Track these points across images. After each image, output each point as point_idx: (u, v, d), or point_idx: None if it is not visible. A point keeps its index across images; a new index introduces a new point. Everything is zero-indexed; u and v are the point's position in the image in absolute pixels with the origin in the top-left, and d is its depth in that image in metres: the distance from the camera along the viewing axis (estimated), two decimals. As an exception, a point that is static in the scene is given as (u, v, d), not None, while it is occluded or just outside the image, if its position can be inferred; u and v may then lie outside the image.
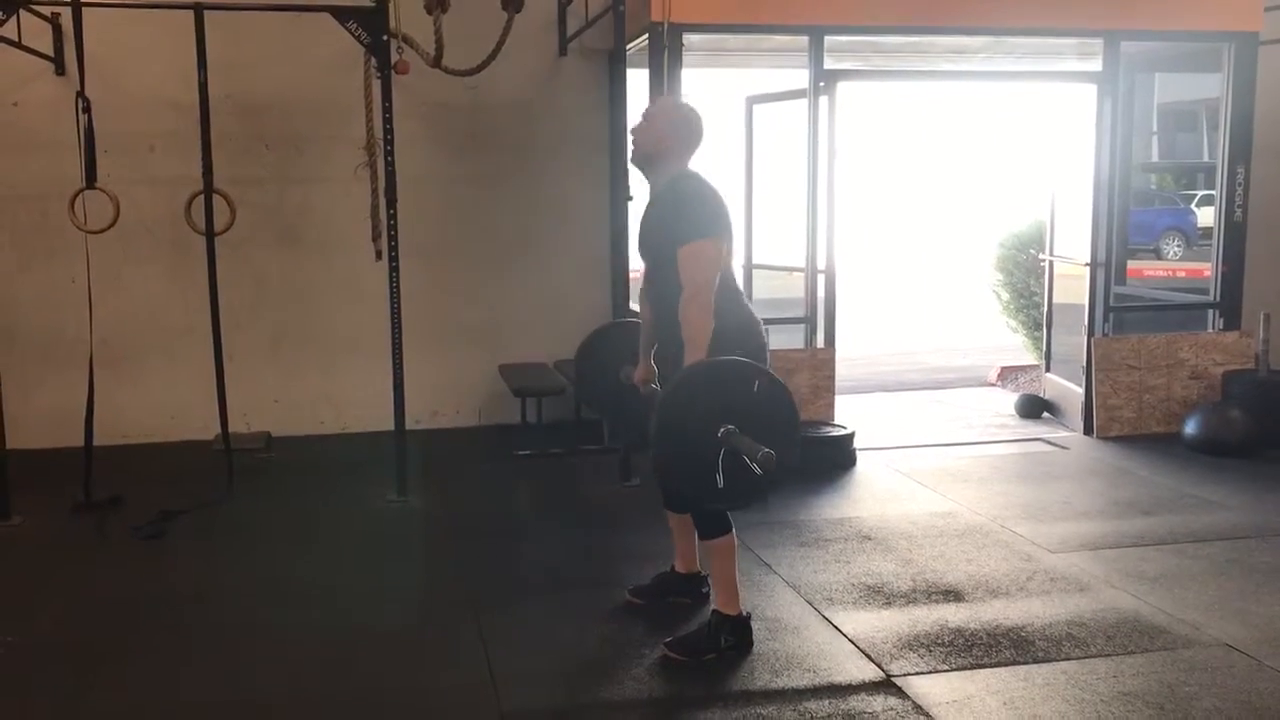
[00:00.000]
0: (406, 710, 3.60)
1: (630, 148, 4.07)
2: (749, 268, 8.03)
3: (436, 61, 6.29)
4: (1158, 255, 19.14)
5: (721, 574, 3.97)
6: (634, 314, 4.23)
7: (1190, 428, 6.95)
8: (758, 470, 3.45)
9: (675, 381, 3.65)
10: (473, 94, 7.11)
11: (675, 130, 3.96)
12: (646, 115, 4.06)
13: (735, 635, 3.93)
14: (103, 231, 5.65)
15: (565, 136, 7.44)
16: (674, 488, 3.86)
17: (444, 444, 7.08)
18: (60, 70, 6.68)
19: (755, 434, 3.45)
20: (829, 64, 6.92)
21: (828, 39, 6.85)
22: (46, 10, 6.20)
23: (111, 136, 6.20)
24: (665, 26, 6.33)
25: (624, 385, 4.38)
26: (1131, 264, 9.12)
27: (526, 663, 3.92)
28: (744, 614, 3.98)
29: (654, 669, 3.84)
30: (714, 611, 3.97)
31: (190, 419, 6.91)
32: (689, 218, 3.81)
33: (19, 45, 5.88)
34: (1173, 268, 17.21)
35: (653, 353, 4.19)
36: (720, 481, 3.51)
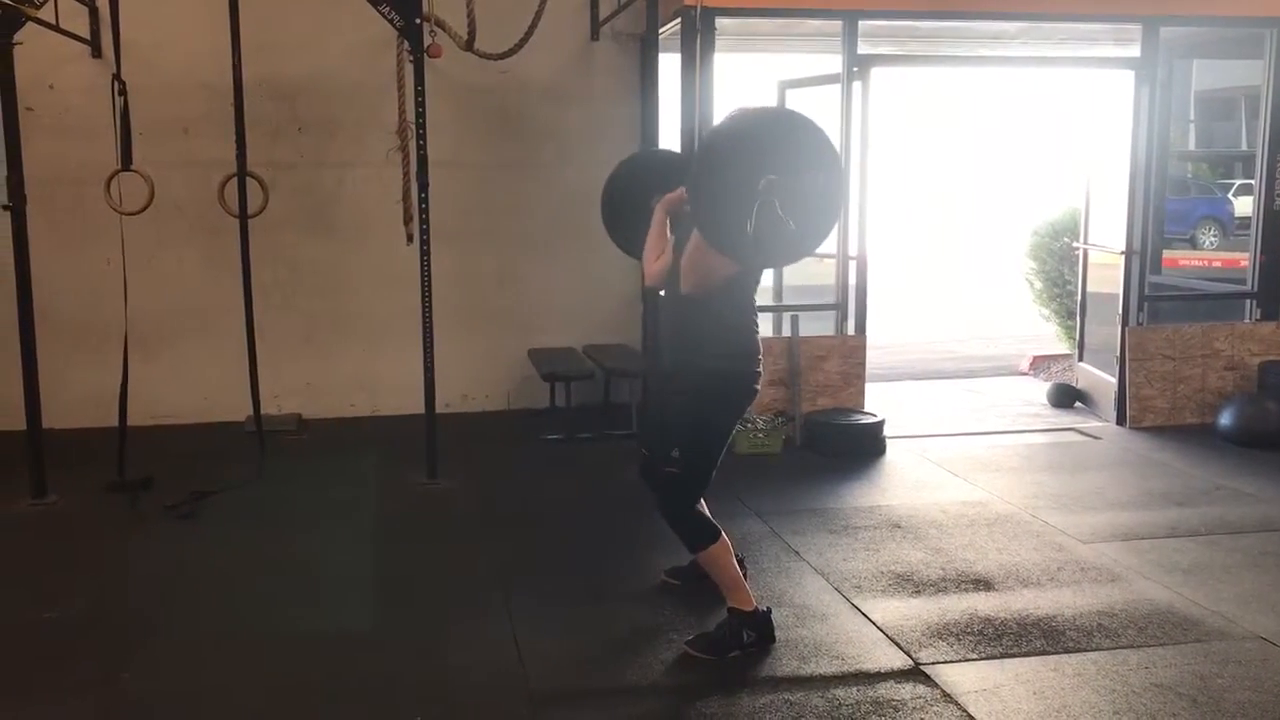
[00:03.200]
0: (435, 691, 3.62)
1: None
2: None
3: (469, 45, 6.28)
4: (1193, 244, 18.94)
5: (724, 577, 3.95)
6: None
7: (1225, 419, 6.88)
8: (792, 226, 3.41)
9: (732, 117, 3.64)
10: (504, 78, 7.11)
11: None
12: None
13: (756, 629, 3.91)
14: (137, 213, 5.70)
15: (596, 121, 7.42)
16: (708, 227, 3.63)
17: (474, 428, 7.10)
18: (97, 53, 6.73)
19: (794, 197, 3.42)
20: (863, 49, 6.87)
21: (862, 23, 6.80)
22: (83, -7, 6.25)
23: (146, 119, 6.25)
24: (698, 10, 6.29)
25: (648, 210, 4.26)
26: (1167, 253, 9.02)
27: (555, 645, 3.94)
28: (761, 609, 3.96)
29: (680, 653, 3.84)
30: (729, 610, 3.93)
31: (223, 401, 6.96)
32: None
33: (56, 28, 5.92)
34: (1209, 257, 17.03)
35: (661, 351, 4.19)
36: (750, 228, 3.43)
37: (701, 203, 3.57)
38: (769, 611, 3.98)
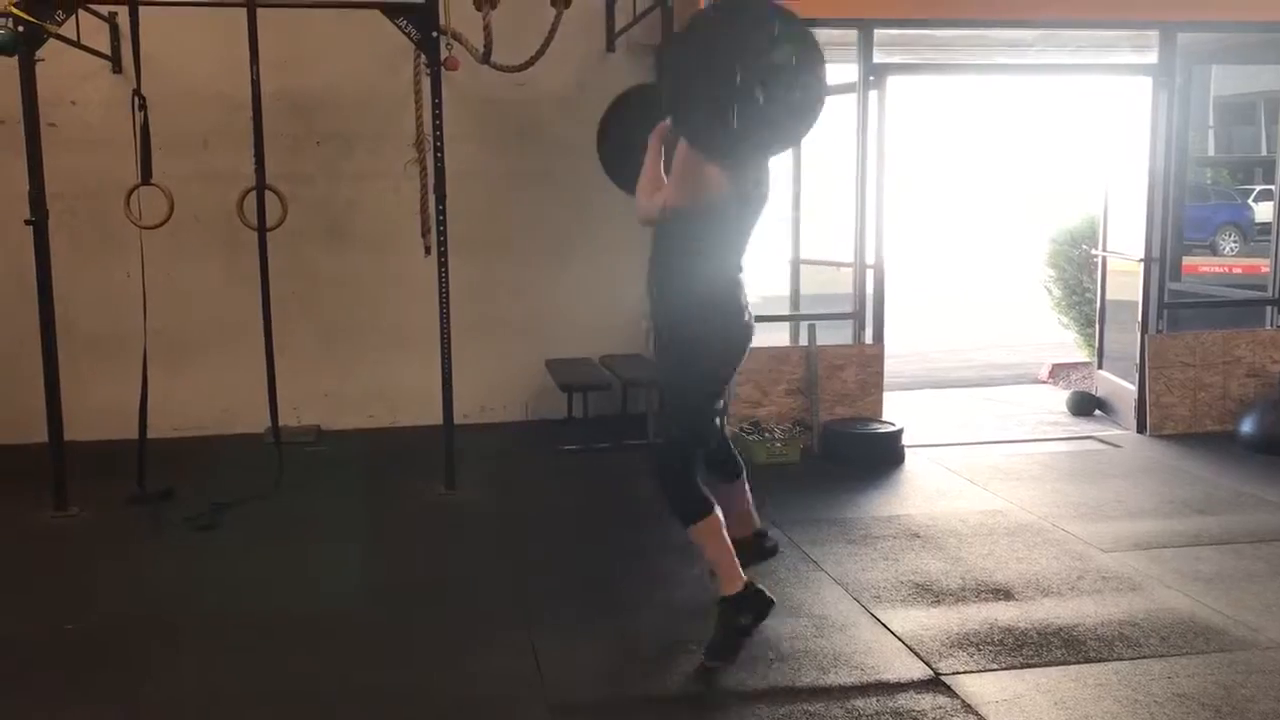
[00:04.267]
0: (454, 701, 3.62)
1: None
2: (796, 263, 7.99)
3: (486, 58, 6.32)
4: (1213, 251, 18.84)
5: (715, 556, 3.87)
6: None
7: (1246, 426, 6.83)
8: (777, 109, 3.35)
9: (689, 22, 3.60)
10: (521, 90, 7.13)
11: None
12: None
13: (750, 609, 3.82)
14: (157, 227, 5.74)
15: (613, 132, 7.42)
16: (690, 130, 3.56)
17: (491, 438, 7.11)
18: (117, 69, 6.78)
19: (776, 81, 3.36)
20: (878, 58, 6.86)
21: (877, 32, 6.80)
22: (104, 10, 6.30)
23: (166, 133, 6.28)
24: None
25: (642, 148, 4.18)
26: (1187, 260, 8.98)
27: (573, 655, 3.94)
28: (750, 586, 3.85)
29: (698, 663, 3.82)
30: (720, 601, 3.85)
31: (242, 412, 7.00)
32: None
33: (77, 44, 5.98)
34: (1229, 264, 16.94)
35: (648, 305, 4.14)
36: (734, 121, 3.37)
37: (680, 114, 3.52)
38: (756, 588, 3.86)
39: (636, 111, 4.51)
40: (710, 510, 3.87)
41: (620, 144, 4.53)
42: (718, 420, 4.11)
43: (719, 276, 3.88)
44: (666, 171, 3.92)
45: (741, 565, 4.19)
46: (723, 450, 4.30)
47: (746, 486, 4.38)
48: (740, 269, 3.94)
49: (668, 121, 3.92)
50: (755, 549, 4.39)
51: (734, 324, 3.91)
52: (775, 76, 3.39)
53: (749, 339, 3.99)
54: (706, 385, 3.94)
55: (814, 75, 3.47)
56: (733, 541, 4.28)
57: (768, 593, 3.87)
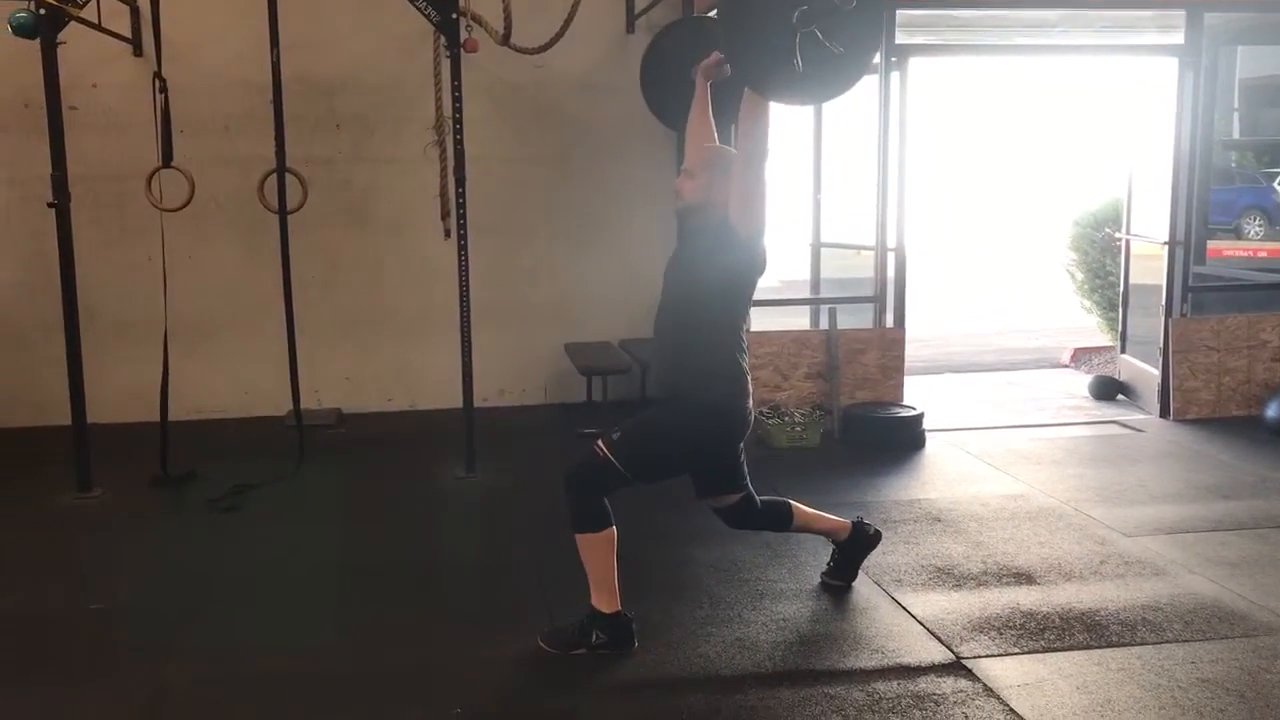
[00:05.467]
0: (472, 683, 3.63)
1: (676, 199, 3.89)
2: (817, 246, 7.95)
3: (505, 39, 6.29)
4: (1238, 235, 18.68)
5: (599, 572, 3.79)
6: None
7: (1272, 410, 6.77)
8: (839, 50, 3.27)
9: None
10: (540, 72, 7.11)
11: (722, 181, 3.76)
12: (690, 170, 3.88)
13: (610, 633, 3.78)
14: (178, 210, 5.76)
15: (632, 115, 7.35)
16: (753, 75, 3.46)
17: (511, 421, 7.12)
18: (138, 52, 6.80)
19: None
20: (900, 39, 6.82)
21: (899, 13, 6.75)
22: (124, -7, 6.31)
23: (187, 117, 6.32)
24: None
25: (691, 84, 4.14)
26: (1211, 244, 8.90)
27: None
28: (624, 614, 3.82)
29: (720, 646, 3.83)
30: (590, 606, 3.81)
31: (263, 395, 7.03)
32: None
33: (99, 27, 5.99)
34: (1254, 247, 16.81)
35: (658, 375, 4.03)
36: (800, 65, 3.29)
37: (739, 58, 3.44)
38: (631, 620, 3.84)
39: (681, 46, 4.38)
40: (607, 525, 3.79)
41: (661, 81, 4.42)
42: (736, 495, 4.05)
43: (740, 356, 3.83)
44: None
45: (859, 561, 4.30)
46: (761, 513, 4.16)
47: (801, 507, 4.25)
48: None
49: (713, 57, 3.89)
50: (861, 541, 4.32)
51: (745, 422, 3.87)
52: (835, 18, 3.29)
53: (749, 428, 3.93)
54: (680, 468, 3.94)
55: (872, 11, 3.42)
56: (839, 543, 4.32)
57: (634, 628, 3.83)
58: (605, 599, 3.81)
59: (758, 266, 3.79)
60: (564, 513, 3.82)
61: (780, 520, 4.21)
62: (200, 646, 3.91)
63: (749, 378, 3.87)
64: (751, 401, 3.89)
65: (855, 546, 4.33)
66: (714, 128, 4.01)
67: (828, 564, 4.40)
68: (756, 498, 4.11)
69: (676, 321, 3.85)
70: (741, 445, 3.97)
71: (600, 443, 3.79)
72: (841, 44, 3.30)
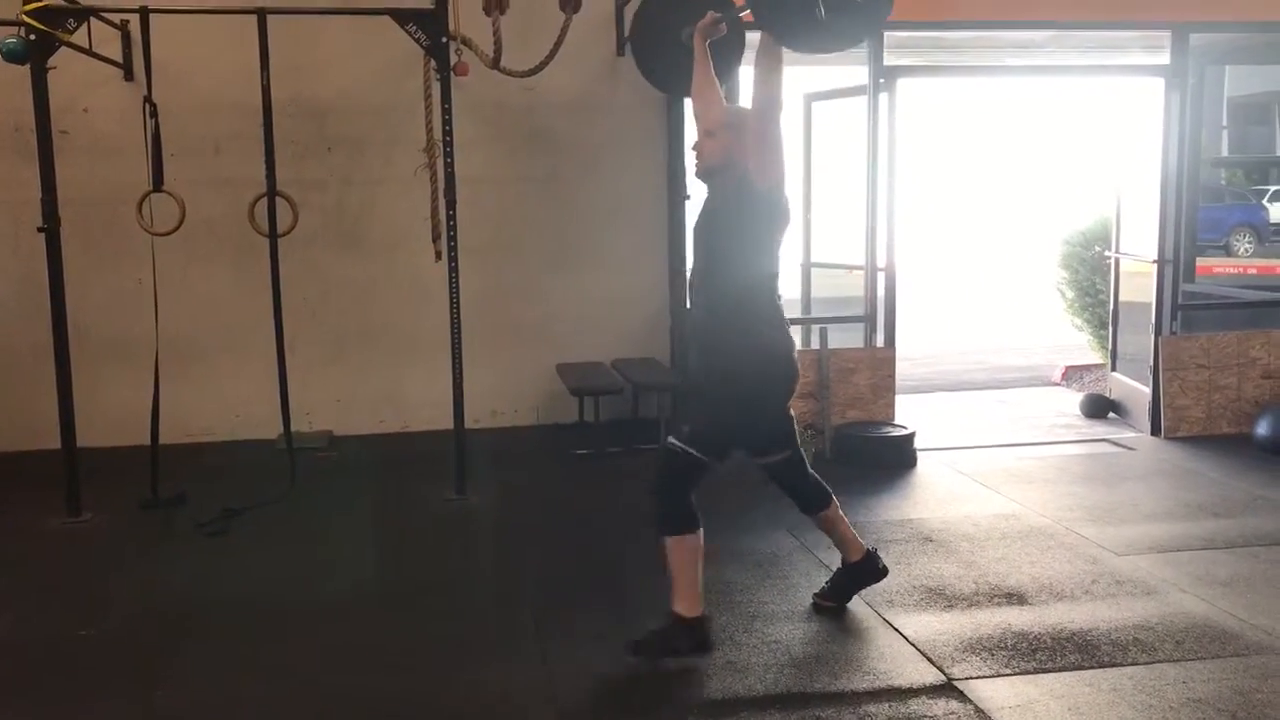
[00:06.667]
0: (464, 707, 3.62)
1: (695, 163, 4.02)
2: (807, 266, 7.98)
3: (495, 63, 6.31)
4: (1228, 252, 18.75)
5: (683, 576, 3.83)
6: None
7: (1262, 428, 6.79)
8: None
9: None
10: (531, 95, 7.13)
11: (740, 138, 3.89)
12: (710, 130, 3.99)
13: (693, 639, 3.82)
14: (169, 233, 5.76)
15: (623, 136, 7.43)
16: (776, 23, 3.57)
17: (502, 443, 7.11)
18: (129, 76, 6.80)
19: None
20: (889, 60, 6.85)
21: (887, 34, 6.79)
22: (116, 18, 6.32)
23: (177, 140, 6.32)
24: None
25: (684, 46, 4.19)
26: (1201, 261, 8.94)
27: (584, 662, 3.92)
28: (704, 619, 3.87)
29: (712, 668, 3.82)
30: (672, 613, 3.83)
31: (254, 418, 7.00)
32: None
33: (89, 52, 6.00)
34: (1244, 264, 16.87)
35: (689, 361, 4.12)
36: (822, 13, 3.37)
37: (763, 5, 3.50)
38: (707, 620, 3.90)
39: (667, 11, 4.43)
40: (695, 529, 3.84)
41: (652, 42, 4.48)
42: (783, 454, 4.10)
43: (777, 305, 3.92)
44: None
45: (858, 589, 4.31)
46: (805, 480, 4.23)
47: (841, 512, 4.31)
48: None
49: (707, 18, 3.98)
50: (869, 570, 4.34)
51: (792, 370, 3.93)
52: None
53: (797, 376, 3.99)
54: (743, 435, 3.96)
55: None
56: (846, 563, 4.33)
57: (710, 637, 3.88)
58: (688, 603, 3.83)
59: (779, 217, 3.90)
60: (649, 517, 3.91)
61: (820, 498, 4.25)
62: (190, 671, 3.89)
63: (788, 327, 3.94)
64: (795, 352, 3.94)
65: (861, 573, 4.34)
66: (720, 86, 4.09)
67: (824, 585, 4.40)
68: (808, 464, 4.20)
69: (707, 281, 3.94)
70: (789, 401, 4.00)
71: (670, 439, 3.87)
72: None
